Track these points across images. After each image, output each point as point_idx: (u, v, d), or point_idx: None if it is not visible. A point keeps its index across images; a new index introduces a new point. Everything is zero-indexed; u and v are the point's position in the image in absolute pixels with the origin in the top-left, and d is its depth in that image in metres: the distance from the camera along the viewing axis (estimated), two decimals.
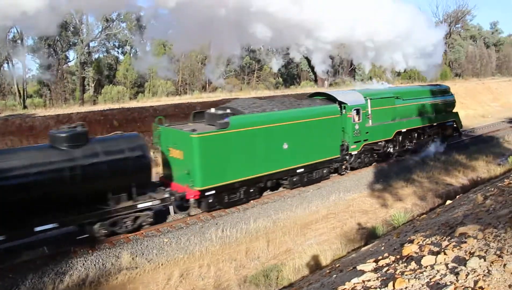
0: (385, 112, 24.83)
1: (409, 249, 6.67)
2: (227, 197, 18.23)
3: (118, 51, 64.48)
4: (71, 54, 58.76)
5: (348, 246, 14.83)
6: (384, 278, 5.64)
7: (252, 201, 19.75)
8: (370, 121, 23.84)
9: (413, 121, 26.99)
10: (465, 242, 6.04)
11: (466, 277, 4.76)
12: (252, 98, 25.87)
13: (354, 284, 5.83)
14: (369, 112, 23.72)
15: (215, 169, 17.19)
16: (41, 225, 13.40)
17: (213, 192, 17.37)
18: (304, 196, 20.84)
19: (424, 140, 28.66)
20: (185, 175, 17.03)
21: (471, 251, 5.62)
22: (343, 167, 23.51)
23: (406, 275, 5.33)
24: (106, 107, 33.11)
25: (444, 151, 28.75)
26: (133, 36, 60.06)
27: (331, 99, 23.19)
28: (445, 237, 7.03)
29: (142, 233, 16.29)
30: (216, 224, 17.32)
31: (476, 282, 4.59)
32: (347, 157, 23.41)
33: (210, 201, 17.50)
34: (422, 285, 4.92)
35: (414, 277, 5.16)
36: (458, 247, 5.91)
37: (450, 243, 6.30)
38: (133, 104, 37.23)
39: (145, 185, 15.79)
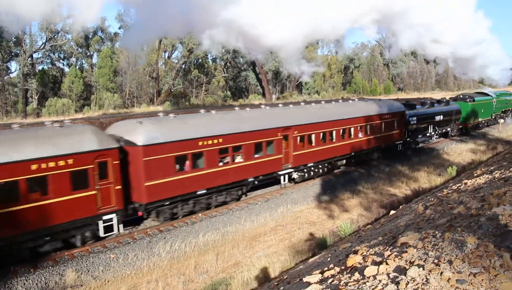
0: (500, 101, 53.54)
1: (353, 260, 6.81)
2: (475, 128, 47.68)
3: (63, 63, 62.69)
4: (13, 65, 56.75)
5: (296, 257, 14.93)
6: (329, 289, 5.72)
7: (200, 214, 19.79)
8: (495, 106, 51.71)
9: (504, 106, 55.88)
10: (406, 252, 6.24)
11: (406, 286, 4.91)
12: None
13: None
14: (496, 101, 51.99)
15: (470, 116, 44.86)
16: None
17: (470, 126, 45.56)
18: (252, 208, 20.91)
19: (508, 114, 57.85)
20: (460, 119, 43.79)
21: (411, 261, 5.81)
22: (488, 123, 51.91)
23: (350, 286, 5.44)
24: (50, 120, 31.99)
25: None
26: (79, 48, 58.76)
27: (487, 94, 51.72)
28: (387, 247, 7.23)
29: (88, 249, 15.79)
30: (164, 238, 17.06)
31: None
32: (496, 116, 52.77)
33: (465, 130, 45.19)
34: None
35: (358, 288, 5.27)
36: (399, 257, 6.10)
37: (392, 253, 6.48)
38: (79, 116, 36.27)
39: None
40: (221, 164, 20.07)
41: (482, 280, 4.76)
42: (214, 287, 13.18)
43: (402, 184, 25.92)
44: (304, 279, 6.87)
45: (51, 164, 14.31)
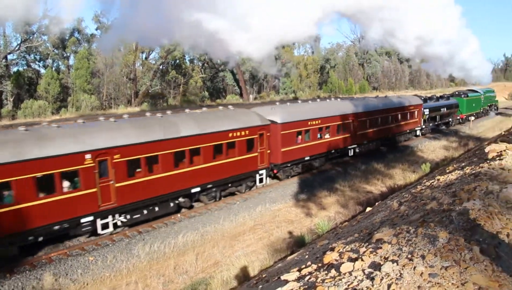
0: (486, 97, 63.44)
1: (330, 257, 6.93)
2: (474, 119, 57.17)
3: (39, 65, 61.50)
4: None
5: (275, 256, 15.06)
6: (306, 287, 5.84)
7: (179, 215, 19.83)
8: (483, 101, 61.68)
9: (489, 102, 66.03)
10: (381, 248, 6.39)
11: (380, 282, 5.06)
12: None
13: None
14: (483, 97, 61.98)
15: (469, 108, 55.73)
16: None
17: (466, 116, 54.65)
18: (231, 208, 20.98)
19: (490, 109, 66.88)
20: (457, 112, 52.56)
21: (386, 256, 5.96)
22: (478, 115, 61.24)
23: (326, 282, 5.56)
24: (26, 122, 31.48)
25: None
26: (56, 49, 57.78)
27: (476, 91, 60.86)
28: (363, 244, 7.38)
29: (66, 252, 15.63)
30: (143, 239, 16.99)
31: (389, 286, 4.90)
32: (483, 110, 63.22)
33: (464, 119, 54.56)
34: None
35: (334, 284, 5.40)
36: (374, 253, 6.25)
37: (367, 249, 6.63)
38: (56, 118, 35.75)
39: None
40: (318, 138, 27.42)
41: (453, 273, 4.93)
42: (194, 287, 13.22)
43: (378, 181, 26.32)
44: (282, 277, 6.96)
45: (237, 134, 21.46)
